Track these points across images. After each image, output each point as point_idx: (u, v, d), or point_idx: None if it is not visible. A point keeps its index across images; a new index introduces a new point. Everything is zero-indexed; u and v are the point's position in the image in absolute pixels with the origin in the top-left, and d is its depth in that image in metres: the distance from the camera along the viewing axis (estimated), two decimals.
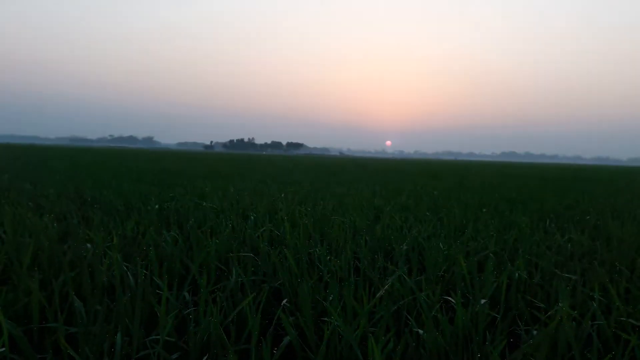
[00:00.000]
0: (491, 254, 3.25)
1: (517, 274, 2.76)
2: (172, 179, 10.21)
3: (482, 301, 2.09)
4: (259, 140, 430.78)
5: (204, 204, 5.60)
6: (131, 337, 1.98)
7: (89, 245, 2.89)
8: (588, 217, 5.80)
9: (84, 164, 15.79)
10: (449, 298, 2.44)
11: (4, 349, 1.71)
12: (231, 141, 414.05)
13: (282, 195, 7.19)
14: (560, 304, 2.12)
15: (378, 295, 2.06)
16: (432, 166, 35.51)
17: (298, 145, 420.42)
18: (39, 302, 2.09)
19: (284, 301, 2.34)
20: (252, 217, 4.73)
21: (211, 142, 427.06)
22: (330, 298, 2.39)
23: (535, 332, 2.05)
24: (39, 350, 1.98)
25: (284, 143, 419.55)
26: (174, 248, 3.08)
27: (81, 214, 4.20)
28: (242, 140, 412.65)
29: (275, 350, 2.13)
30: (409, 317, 2.17)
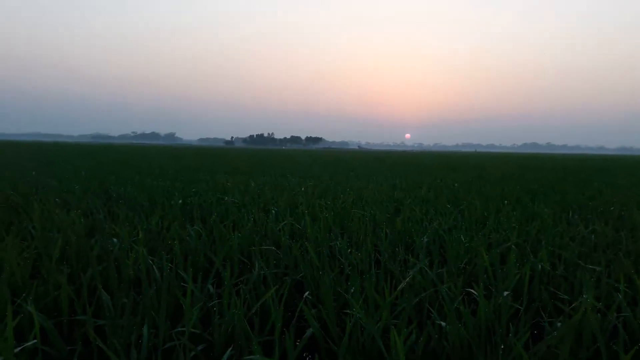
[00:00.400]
0: (513, 246, 3.23)
1: (539, 266, 2.74)
2: (194, 174, 10.32)
3: (505, 293, 2.08)
4: (278, 135, 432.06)
5: (226, 198, 5.66)
6: (157, 329, 2.03)
7: (115, 239, 2.96)
8: (612, 207, 5.69)
9: (107, 161, 16.06)
10: (472, 290, 2.44)
11: (35, 340, 1.77)
12: (251, 136, 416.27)
13: (302, 189, 7.22)
14: (584, 296, 2.10)
15: (400, 287, 2.06)
16: (452, 158, 35.19)
17: (317, 140, 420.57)
18: (68, 296, 2.15)
19: (306, 294, 2.36)
20: (273, 211, 4.77)
21: (232, 137, 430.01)
22: (352, 290, 2.40)
23: (559, 324, 2.04)
24: (68, 342, 2.04)
25: (303, 137, 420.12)
26: (197, 242, 3.13)
27: (107, 210, 4.29)
28: (261, 135, 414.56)
29: (297, 342, 2.16)
30: (431, 309, 2.17)
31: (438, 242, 3.55)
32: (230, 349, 1.83)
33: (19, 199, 4.61)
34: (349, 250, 3.27)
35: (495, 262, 2.82)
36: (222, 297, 2.26)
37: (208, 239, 3.41)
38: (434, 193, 6.92)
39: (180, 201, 5.05)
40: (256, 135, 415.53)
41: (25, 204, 4.50)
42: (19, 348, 1.67)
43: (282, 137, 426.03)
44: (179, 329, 2.00)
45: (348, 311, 2.21)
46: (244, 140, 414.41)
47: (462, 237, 3.38)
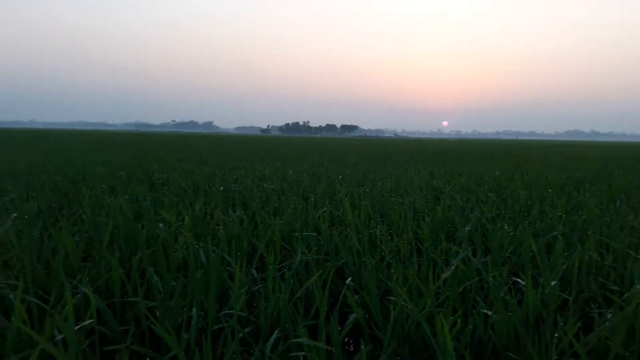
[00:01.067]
0: (560, 236, 3.15)
1: (587, 256, 2.66)
2: (233, 161, 10.47)
3: (553, 282, 2.04)
4: (313, 123, 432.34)
5: (265, 185, 5.73)
6: (205, 311, 2.09)
7: (161, 224, 3.04)
8: None
9: (150, 148, 16.47)
10: (518, 279, 2.40)
11: (92, 320, 1.85)
12: (287, 124, 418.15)
13: (340, 177, 7.23)
14: (638, 286, 2.03)
15: (445, 274, 2.05)
16: (492, 146, 34.40)
17: (352, 128, 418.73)
18: (119, 278, 2.23)
19: (349, 280, 2.38)
20: (312, 198, 4.80)
21: (268, 126, 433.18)
22: (394, 278, 2.40)
23: (609, 315, 1.98)
24: (120, 323, 2.12)
25: (338, 125, 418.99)
26: (240, 228, 3.19)
27: (152, 195, 4.41)
28: (297, 123, 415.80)
29: (341, 327, 2.18)
30: (477, 297, 2.15)
31: (480, 231, 3.50)
32: (276, 331, 1.87)
33: (68, 185, 4.79)
34: (389, 237, 3.27)
35: (541, 252, 2.76)
36: (266, 281, 2.30)
37: (250, 224, 3.47)
38: (474, 181, 6.80)
39: (221, 188, 5.15)
40: (292, 123, 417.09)
41: (74, 190, 4.68)
42: (77, 327, 1.75)
43: (317, 125, 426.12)
44: (226, 311, 2.05)
45: (391, 298, 2.21)
46: (280, 128, 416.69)
47: (505, 226, 3.32)
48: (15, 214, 3.27)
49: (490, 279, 2.14)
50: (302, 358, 1.81)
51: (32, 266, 2.10)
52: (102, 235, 2.57)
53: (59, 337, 1.58)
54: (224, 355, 1.74)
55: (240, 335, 1.89)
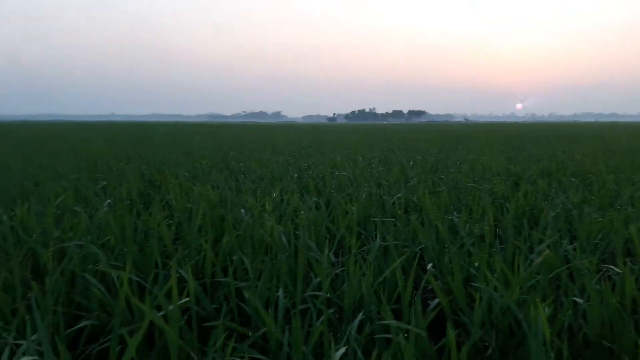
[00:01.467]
0: None
1: None
2: (304, 150, 10.63)
3: None
4: (379, 110, 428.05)
5: (337, 172, 5.78)
6: (290, 292, 2.17)
7: (242, 210, 3.17)
8: None
9: (225, 138, 17.05)
10: (611, 267, 2.28)
11: (188, 298, 1.97)
12: (353, 112, 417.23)
13: (410, 163, 7.15)
14: None
15: (537, 260, 1.99)
16: (571, 129, 32.51)
17: (420, 113, 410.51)
18: (210, 260, 2.35)
19: (429, 266, 2.37)
20: (385, 184, 4.79)
21: (334, 114, 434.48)
22: (476, 264, 2.37)
23: None
24: (212, 302, 2.24)
25: (405, 111, 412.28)
26: (317, 213, 3.26)
27: (232, 183, 4.59)
28: (363, 110, 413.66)
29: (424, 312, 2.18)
30: (570, 284, 2.08)
31: (565, 217, 3.35)
32: (360, 313, 1.90)
33: (154, 173, 5.08)
34: (467, 224, 3.21)
35: (635, 239, 2.61)
36: (346, 265, 2.33)
37: (326, 210, 3.53)
38: (555, 166, 6.49)
39: (295, 175, 5.26)
40: (358, 110, 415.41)
41: (160, 178, 4.95)
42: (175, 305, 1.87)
43: (383, 111, 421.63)
44: (310, 292, 2.11)
45: (473, 284, 2.18)
46: (346, 116, 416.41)
47: (592, 212, 3.16)
48: (108, 200, 3.52)
49: (583, 265, 2.06)
50: (384, 341, 1.83)
51: (131, 248, 2.26)
52: (194, 219, 2.71)
53: (160, 314, 1.70)
54: (310, 335, 1.80)
55: (325, 316, 1.95)
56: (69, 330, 1.74)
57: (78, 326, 1.71)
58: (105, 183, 4.46)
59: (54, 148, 10.74)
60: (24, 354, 1.36)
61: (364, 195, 3.96)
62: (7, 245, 2.37)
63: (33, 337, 1.39)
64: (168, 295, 2.23)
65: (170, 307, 1.53)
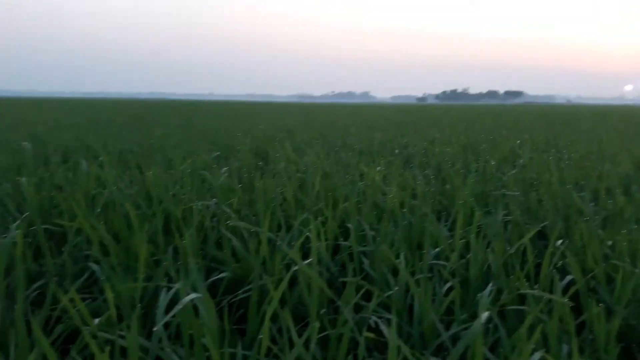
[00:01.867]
0: None
1: None
2: (396, 128, 10.48)
3: None
4: (473, 90, 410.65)
5: (437, 150, 5.65)
6: (407, 260, 2.15)
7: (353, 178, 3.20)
8: None
9: (318, 116, 17.28)
10: None
11: (311, 259, 2.02)
12: (444, 92, 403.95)
13: (517, 142, 6.80)
14: None
15: None
16: None
17: (517, 94, 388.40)
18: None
19: (559, 242, 2.24)
20: (492, 162, 4.60)
21: (423, 94, 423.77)
22: (609, 243, 2.21)
23: None
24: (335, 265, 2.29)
25: (501, 92, 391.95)
26: (425, 186, 3.20)
27: (338, 154, 4.64)
28: (455, 90, 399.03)
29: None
30: None
31: None
32: (490, 285, 1.84)
33: (261, 146, 5.27)
34: (593, 203, 3.00)
35: None
36: (470, 236, 2.27)
37: (438, 183, 3.46)
38: None
39: (396, 150, 5.21)
40: (449, 91, 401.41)
41: (265, 151, 5.12)
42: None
43: (477, 92, 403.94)
44: (432, 262, 2.08)
45: (615, 262, 2.03)
46: (437, 96, 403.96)
47: None
48: (226, 167, 3.70)
49: None
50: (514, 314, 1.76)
51: (262, 208, 2.36)
52: (311, 184, 2.77)
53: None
54: (435, 301, 1.78)
55: (450, 284, 1.91)
56: (208, 280, 1.85)
57: (219, 276, 1.82)
58: (218, 153, 4.69)
59: (172, 123, 11.38)
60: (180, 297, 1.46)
61: (474, 171, 3.84)
62: (142, 203, 2.58)
63: (186, 281, 1.49)
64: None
65: (306, 261, 1.58)
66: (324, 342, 1.56)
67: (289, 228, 2.41)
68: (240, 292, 1.72)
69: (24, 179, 2.87)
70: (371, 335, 1.50)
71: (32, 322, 1.16)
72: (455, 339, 1.57)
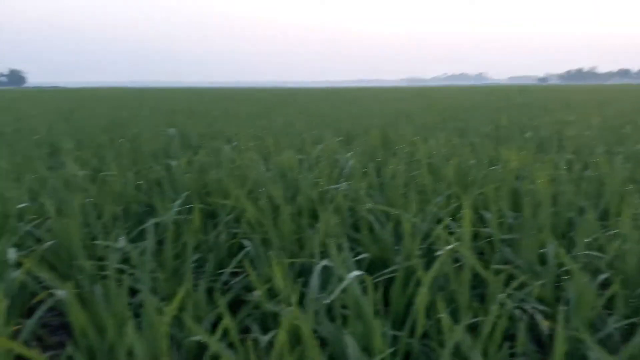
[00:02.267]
0: None
1: None
2: (520, 110, 9.87)
3: None
4: (601, 69, 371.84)
5: (572, 132, 5.24)
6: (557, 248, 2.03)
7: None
8: None
9: (433, 99, 16.85)
10: None
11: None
12: (568, 72, 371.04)
13: None
14: None
15: None
16: None
17: None
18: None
19: None
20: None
21: (545, 74, 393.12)
22: None
23: None
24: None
25: (634, 70, 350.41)
26: (568, 172, 3.00)
27: (464, 138, 4.51)
28: (580, 70, 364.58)
29: None
30: None
31: None
32: None
33: (382, 131, 5.27)
34: None
35: None
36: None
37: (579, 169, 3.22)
38: None
39: (527, 134, 4.93)
40: (574, 70, 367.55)
41: (387, 136, 5.12)
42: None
43: (605, 71, 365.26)
44: (578, 252, 1.95)
45: None
46: (560, 76, 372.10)
47: None
48: (350, 152, 3.77)
49: None
50: None
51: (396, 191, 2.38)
52: (444, 171, 2.73)
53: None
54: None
55: (605, 275, 1.78)
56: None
57: (361, 256, 1.87)
58: (341, 138, 4.78)
59: (290, 111, 11.81)
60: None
61: (620, 155, 3.51)
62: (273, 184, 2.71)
63: (338, 259, 1.55)
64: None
65: (453, 245, 1.56)
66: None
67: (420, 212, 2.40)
68: (386, 271, 1.75)
69: (174, 162, 3.17)
70: (546, 323, 1.44)
71: (215, 291, 1.28)
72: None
